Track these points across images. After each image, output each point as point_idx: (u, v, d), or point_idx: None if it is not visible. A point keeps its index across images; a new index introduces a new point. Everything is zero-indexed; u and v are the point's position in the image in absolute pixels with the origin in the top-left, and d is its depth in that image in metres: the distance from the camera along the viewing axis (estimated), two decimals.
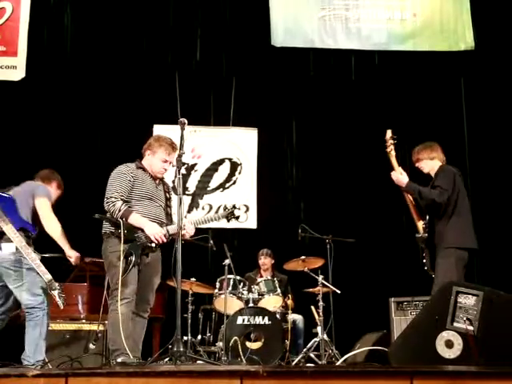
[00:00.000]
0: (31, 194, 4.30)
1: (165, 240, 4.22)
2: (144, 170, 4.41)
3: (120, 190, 4.23)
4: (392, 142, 4.84)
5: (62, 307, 3.72)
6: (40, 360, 3.90)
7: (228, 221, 4.56)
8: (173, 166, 4.28)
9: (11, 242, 3.92)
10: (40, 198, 4.29)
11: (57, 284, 3.76)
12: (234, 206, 4.55)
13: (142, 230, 4.20)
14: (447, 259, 4.30)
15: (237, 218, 4.68)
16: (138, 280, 4.18)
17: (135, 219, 4.18)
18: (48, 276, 3.77)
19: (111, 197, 4.20)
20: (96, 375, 2.64)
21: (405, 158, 7.46)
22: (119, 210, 4.16)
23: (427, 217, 4.56)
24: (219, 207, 7.32)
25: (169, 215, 4.50)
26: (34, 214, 4.26)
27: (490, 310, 3.43)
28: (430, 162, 4.74)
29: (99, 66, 7.43)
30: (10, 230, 3.87)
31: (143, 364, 3.77)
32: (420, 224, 4.55)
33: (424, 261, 4.54)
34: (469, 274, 6.80)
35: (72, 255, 4.44)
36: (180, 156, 3.99)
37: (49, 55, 7.40)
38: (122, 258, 4.07)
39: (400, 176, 4.64)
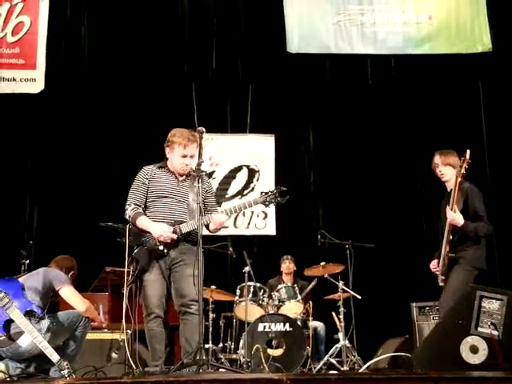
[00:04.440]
0: (47, 282, 4.27)
1: (173, 237, 4.00)
2: (166, 168, 4.26)
3: (133, 195, 4.20)
4: (467, 165, 4.42)
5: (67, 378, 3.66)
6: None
7: (266, 205, 4.12)
8: (190, 156, 4.14)
9: (23, 331, 3.91)
10: (62, 287, 4.29)
11: (65, 363, 3.76)
12: (277, 190, 4.12)
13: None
14: (461, 276, 4.31)
15: (277, 203, 4.14)
16: (172, 279, 4.06)
17: (141, 222, 4.08)
18: (56, 357, 3.76)
19: (126, 204, 4.20)
20: None
21: (423, 164, 7.46)
22: (129, 216, 4.13)
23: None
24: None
25: (194, 211, 4.10)
26: (45, 298, 4.24)
27: None
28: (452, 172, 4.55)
29: (116, 77, 7.50)
30: (16, 315, 3.90)
31: (166, 373, 3.77)
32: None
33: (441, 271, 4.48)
34: (491, 278, 6.78)
35: (102, 321, 4.72)
36: (199, 165, 3.95)
37: (67, 67, 7.48)
38: (126, 267, 3.99)
39: (456, 216, 4.33)
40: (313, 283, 6.33)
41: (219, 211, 4.19)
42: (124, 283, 4.87)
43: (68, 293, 4.27)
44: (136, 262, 4.04)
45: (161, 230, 4.00)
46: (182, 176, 4.24)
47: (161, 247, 4.02)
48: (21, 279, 4.28)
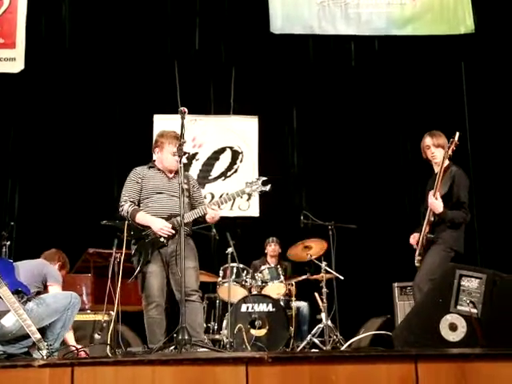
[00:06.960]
0: (42, 273, 4.32)
1: (172, 232, 4.28)
2: (155, 167, 4.55)
3: (127, 193, 4.46)
4: (454, 147, 4.33)
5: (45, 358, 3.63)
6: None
7: (250, 195, 4.50)
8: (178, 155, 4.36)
9: (7, 311, 3.88)
10: (53, 285, 4.35)
11: (46, 344, 3.75)
12: (260, 179, 4.42)
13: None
14: (438, 257, 4.32)
15: (261, 192, 4.44)
16: (171, 271, 4.33)
17: (140, 218, 4.35)
18: (37, 336, 3.76)
19: (120, 201, 4.45)
20: (102, 364, 2.65)
21: (405, 145, 7.50)
22: (127, 212, 4.38)
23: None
24: (221, 195, 7.17)
25: (190, 204, 4.53)
26: (35, 285, 4.25)
27: (493, 293, 3.45)
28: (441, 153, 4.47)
29: (98, 57, 7.41)
30: (4, 292, 3.89)
31: (149, 352, 3.78)
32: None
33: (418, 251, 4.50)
34: (471, 257, 6.87)
35: None
36: (181, 145, 4.03)
37: (47, 46, 7.37)
38: (121, 260, 4.32)
39: (436, 203, 4.28)
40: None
41: (207, 205, 4.47)
42: (109, 265, 4.93)
43: (55, 291, 4.33)
44: (139, 254, 4.31)
45: (158, 226, 4.29)
46: (171, 173, 4.52)
47: (161, 239, 4.32)
48: (16, 263, 4.30)
